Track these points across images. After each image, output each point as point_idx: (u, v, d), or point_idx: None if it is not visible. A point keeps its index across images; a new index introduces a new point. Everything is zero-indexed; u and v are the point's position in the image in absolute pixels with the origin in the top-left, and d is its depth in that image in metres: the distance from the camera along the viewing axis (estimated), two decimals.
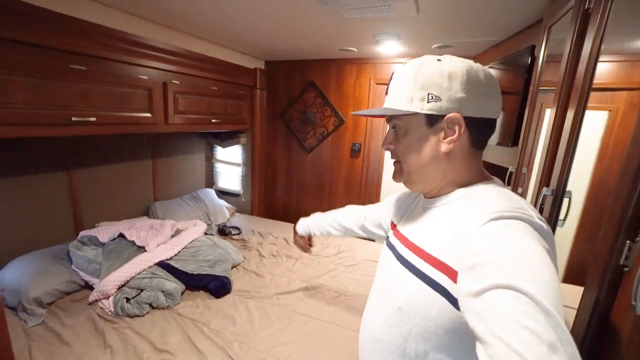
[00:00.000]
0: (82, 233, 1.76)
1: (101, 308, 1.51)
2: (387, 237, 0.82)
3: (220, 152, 3.19)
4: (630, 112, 1.49)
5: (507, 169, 1.73)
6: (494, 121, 0.61)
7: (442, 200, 0.63)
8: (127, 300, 1.50)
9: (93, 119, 1.55)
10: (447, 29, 1.85)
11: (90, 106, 1.55)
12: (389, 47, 2.32)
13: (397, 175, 0.68)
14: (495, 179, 0.64)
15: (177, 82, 2.07)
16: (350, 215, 1.20)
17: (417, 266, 0.60)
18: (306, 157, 3.14)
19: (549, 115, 1.33)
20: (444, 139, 0.59)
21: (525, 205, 0.53)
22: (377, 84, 2.76)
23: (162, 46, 1.93)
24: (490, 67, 2.08)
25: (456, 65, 0.58)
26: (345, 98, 2.89)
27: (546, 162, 1.21)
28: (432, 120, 0.59)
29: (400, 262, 0.65)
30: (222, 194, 3.22)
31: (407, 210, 0.78)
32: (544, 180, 1.20)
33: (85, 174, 2.02)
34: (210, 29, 2.08)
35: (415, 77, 0.59)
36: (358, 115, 0.92)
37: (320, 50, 2.57)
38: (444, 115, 0.58)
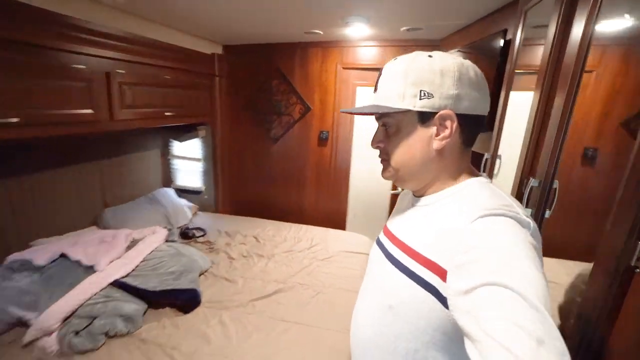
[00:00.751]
0: (11, 257, 1.44)
1: (42, 349, 1.21)
2: (378, 236, 0.80)
3: (178, 147, 2.89)
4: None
5: (483, 155, 1.70)
6: (483, 118, 0.60)
7: (431, 198, 0.63)
8: (76, 333, 1.25)
9: (15, 119, 1.24)
10: (417, 10, 1.74)
11: (11, 104, 1.24)
12: (357, 30, 2.16)
13: (386, 173, 0.67)
14: (482, 174, 0.64)
15: (123, 72, 1.76)
16: None
17: (407, 265, 0.59)
18: (273, 148, 2.94)
19: (516, 98, 1.29)
20: (436, 136, 0.58)
21: (511, 202, 0.53)
22: (344, 68, 2.62)
23: (103, 30, 1.62)
24: (458, 51, 2.03)
25: (448, 62, 0.57)
26: (311, 84, 2.71)
27: (529, 150, 1.16)
28: (424, 117, 0.58)
29: (390, 261, 0.64)
30: (183, 192, 2.93)
31: (399, 209, 0.77)
32: (528, 169, 1.16)
33: (14, 184, 1.66)
34: (161, 10, 1.79)
35: (406, 73, 0.57)
36: (347, 113, 0.85)
37: (285, 33, 2.35)
38: (436, 113, 0.57)
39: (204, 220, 2.68)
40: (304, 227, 2.64)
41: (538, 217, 1.04)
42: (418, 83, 0.56)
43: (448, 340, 0.54)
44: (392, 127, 0.62)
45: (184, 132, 2.61)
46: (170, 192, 2.69)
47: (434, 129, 0.58)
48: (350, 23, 1.94)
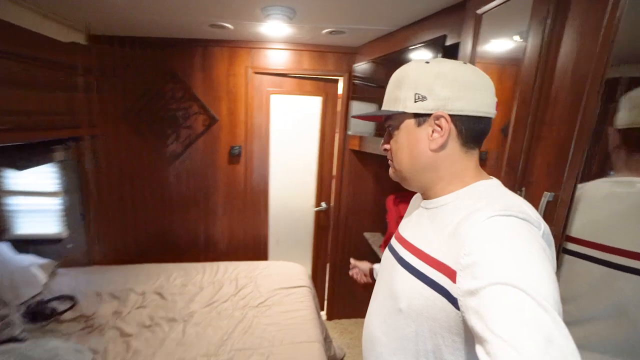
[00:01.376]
0: None
1: None
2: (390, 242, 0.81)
3: (16, 178, 1.93)
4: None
5: None
6: (486, 119, 0.61)
7: (440, 200, 0.64)
8: None
9: None
10: (347, 7, 1.53)
11: None
12: (273, 28, 1.83)
13: (392, 175, 0.71)
14: (493, 177, 0.64)
15: None
16: None
17: (417, 267, 0.59)
18: (171, 168, 2.29)
19: None
20: (431, 137, 0.60)
21: (522, 203, 0.54)
22: (255, 72, 2.23)
23: None
24: (370, 61, 1.94)
25: (442, 66, 0.60)
26: (217, 90, 2.22)
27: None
28: (420, 119, 0.61)
29: (401, 264, 0.65)
30: (28, 244, 1.97)
31: (410, 213, 0.77)
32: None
33: None
34: None
35: (403, 79, 0.62)
36: (358, 118, 0.82)
37: (183, 24, 1.81)
38: (429, 115, 0.60)
39: (69, 281, 1.83)
40: (222, 264, 2.12)
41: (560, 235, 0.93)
42: (414, 87, 0.61)
43: (459, 343, 0.53)
44: (393, 129, 0.66)
45: (28, 155, 1.73)
46: (3, 249, 1.74)
47: (429, 130, 0.61)
48: (271, 16, 1.59)
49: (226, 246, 2.46)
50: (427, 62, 0.61)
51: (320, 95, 2.40)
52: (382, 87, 2.01)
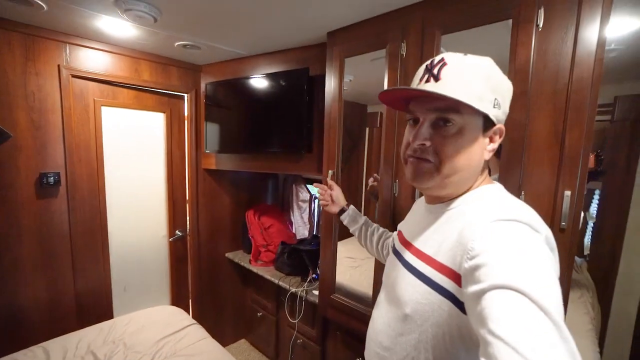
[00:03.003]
0: None
1: None
2: (394, 244, 0.78)
3: None
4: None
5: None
6: None
7: (446, 205, 0.62)
8: None
9: None
10: (213, 25, 1.49)
11: None
12: (113, 25, 1.49)
13: (427, 177, 0.60)
14: (496, 182, 0.65)
15: None
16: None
17: (423, 272, 0.58)
18: None
19: None
20: (489, 147, 0.59)
21: (525, 208, 0.54)
22: (74, 76, 1.69)
23: None
24: (228, 80, 1.99)
25: (508, 81, 0.60)
26: (6, 94, 1.51)
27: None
28: (487, 126, 0.57)
29: (407, 269, 0.63)
30: None
31: (414, 217, 0.75)
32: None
33: None
34: None
35: (489, 77, 0.56)
36: (384, 95, 0.65)
37: None
38: (494, 124, 0.58)
39: None
40: (56, 342, 1.46)
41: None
42: (496, 91, 0.56)
43: (466, 349, 0.53)
44: (455, 126, 0.56)
45: None
46: None
47: (487, 139, 0.59)
48: (132, 11, 1.29)
49: (49, 316, 1.66)
50: (498, 68, 0.58)
51: (163, 112, 2.12)
52: (233, 110, 2.10)
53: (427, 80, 0.57)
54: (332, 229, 1.54)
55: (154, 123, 2.09)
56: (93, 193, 1.80)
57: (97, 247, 1.84)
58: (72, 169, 1.71)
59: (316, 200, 2.48)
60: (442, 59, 0.57)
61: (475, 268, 0.46)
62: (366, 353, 0.72)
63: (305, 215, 2.53)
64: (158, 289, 2.18)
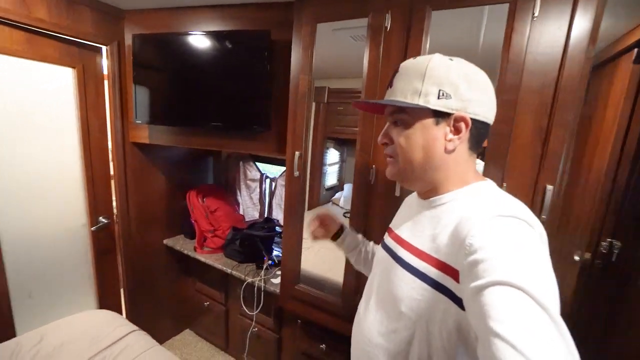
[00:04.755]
0: None
1: None
2: (383, 240, 0.76)
3: None
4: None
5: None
6: (490, 126, 0.61)
7: (438, 200, 0.61)
8: None
9: None
10: None
11: None
12: None
13: (393, 173, 0.64)
14: (488, 179, 0.63)
15: None
16: None
17: (419, 268, 0.57)
18: None
19: None
20: (448, 137, 0.58)
21: (520, 205, 0.53)
22: None
23: None
24: (162, 34, 1.57)
25: (468, 67, 0.58)
26: None
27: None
28: (440, 117, 0.57)
29: (400, 265, 0.62)
30: None
31: (404, 212, 0.74)
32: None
33: None
34: None
35: (427, 72, 0.57)
36: (359, 104, 0.76)
37: None
38: (451, 114, 0.57)
39: None
40: None
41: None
42: (439, 83, 0.56)
43: (461, 347, 0.52)
44: (404, 123, 0.60)
45: None
46: None
47: (447, 130, 0.57)
48: None
49: None
50: (452, 60, 0.58)
51: (72, 66, 1.59)
52: (170, 72, 1.69)
53: (388, 87, 0.63)
54: (297, 212, 1.38)
55: (60, 81, 1.56)
56: None
57: None
58: None
59: (267, 180, 2.26)
60: (398, 67, 0.62)
61: (474, 264, 0.45)
62: (353, 351, 0.69)
63: (255, 196, 2.30)
64: (78, 289, 1.75)
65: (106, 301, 1.88)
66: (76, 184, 1.68)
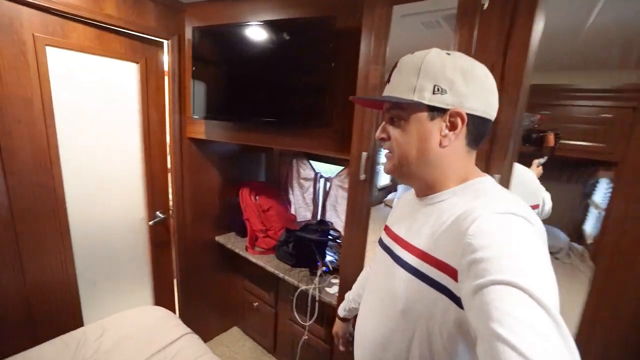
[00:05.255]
0: None
1: None
2: (380, 239, 0.75)
3: None
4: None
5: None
6: (490, 122, 0.58)
7: (436, 197, 0.60)
8: None
9: None
10: None
11: None
12: None
13: (390, 168, 0.63)
14: (487, 175, 0.61)
15: None
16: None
17: (417, 267, 0.56)
18: None
19: None
20: (444, 133, 0.56)
21: (519, 202, 0.52)
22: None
23: None
24: (221, 26, 1.50)
25: (465, 62, 0.55)
26: None
27: None
28: (435, 112, 0.56)
29: (399, 264, 0.61)
30: None
31: (402, 210, 0.72)
32: None
33: None
34: None
35: (422, 67, 0.55)
36: (357, 100, 0.73)
37: None
38: (446, 110, 0.55)
39: None
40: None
41: None
42: (433, 78, 0.55)
43: (461, 346, 0.51)
44: (401, 119, 0.59)
45: None
46: None
47: (442, 125, 0.56)
48: None
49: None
50: (449, 54, 0.56)
51: (136, 62, 1.59)
52: (228, 65, 1.62)
53: (388, 82, 0.61)
54: (361, 218, 1.23)
55: (125, 76, 1.57)
56: (42, 166, 1.32)
57: (53, 235, 1.39)
58: (6, 132, 1.20)
59: (321, 180, 2.14)
60: (396, 63, 0.60)
61: (473, 263, 0.44)
62: (356, 350, 0.69)
63: (308, 196, 2.19)
64: (136, 280, 1.79)
65: (160, 293, 1.91)
66: (137, 179, 1.69)
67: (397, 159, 0.61)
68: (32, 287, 1.35)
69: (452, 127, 0.55)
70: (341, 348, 1.07)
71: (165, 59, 1.69)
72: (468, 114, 0.54)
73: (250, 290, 2.04)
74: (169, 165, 1.83)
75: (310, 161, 2.13)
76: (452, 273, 0.49)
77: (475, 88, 0.54)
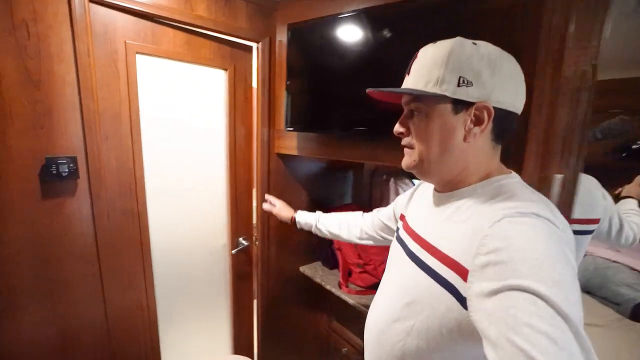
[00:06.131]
0: None
1: None
2: (397, 229, 0.74)
3: None
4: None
5: None
6: (516, 116, 0.54)
7: (457, 194, 0.57)
8: None
9: None
10: None
11: None
12: None
13: (409, 164, 0.59)
14: (513, 172, 0.57)
15: None
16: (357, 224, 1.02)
17: (427, 263, 0.55)
18: None
19: None
20: (469, 128, 0.52)
21: (544, 201, 0.49)
22: (94, 1, 1.00)
23: None
24: (319, 20, 1.21)
25: (492, 52, 0.51)
26: None
27: None
28: (460, 106, 0.52)
29: (410, 258, 0.60)
30: None
31: (419, 203, 0.71)
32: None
33: None
34: None
35: (448, 58, 0.51)
36: (374, 92, 0.62)
37: None
38: (472, 103, 0.51)
39: None
40: None
41: None
42: (459, 69, 0.50)
43: (459, 345, 0.49)
44: (422, 113, 0.55)
45: None
46: None
47: (467, 120, 0.52)
48: None
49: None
50: (475, 44, 0.51)
51: (224, 68, 1.40)
52: (333, 68, 1.11)
53: (408, 74, 0.58)
54: None
55: (213, 85, 1.39)
56: (127, 188, 1.16)
57: (136, 266, 1.21)
58: (96, 150, 1.06)
59: None
60: (417, 53, 0.57)
61: (489, 264, 0.42)
62: (365, 334, 0.69)
63: None
64: (215, 316, 1.56)
65: (239, 332, 1.66)
66: (221, 200, 1.49)
67: (417, 154, 0.57)
68: (113, 326, 1.18)
69: (478, 121, 0.51)
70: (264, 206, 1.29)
71: (254, 63, 1.48)
72: (495, 108, 0.50)
73: (339, 332, 1.68)
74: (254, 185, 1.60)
75: (414, 181, 1.73)
76: (462, 272, 0.47)
77: (502, 79, 0.50)
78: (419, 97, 0.54)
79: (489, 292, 0.40)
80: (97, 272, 1.11)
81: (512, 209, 0.44)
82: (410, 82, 0.56)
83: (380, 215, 0.95)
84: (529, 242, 0.40)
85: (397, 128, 0.59)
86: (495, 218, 0.44)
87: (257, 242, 1.59)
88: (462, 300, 0.46)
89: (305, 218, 1.15)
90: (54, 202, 1.01)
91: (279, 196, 1.44)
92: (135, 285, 1.22)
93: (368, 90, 0.63)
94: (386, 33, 1.02)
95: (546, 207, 0.45)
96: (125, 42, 1.08)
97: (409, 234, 0.66)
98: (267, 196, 1.31)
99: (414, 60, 0.57)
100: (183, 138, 1.32)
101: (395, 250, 0.69)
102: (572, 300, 0.36)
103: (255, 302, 1.69)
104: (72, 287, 1.07)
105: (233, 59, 1.41)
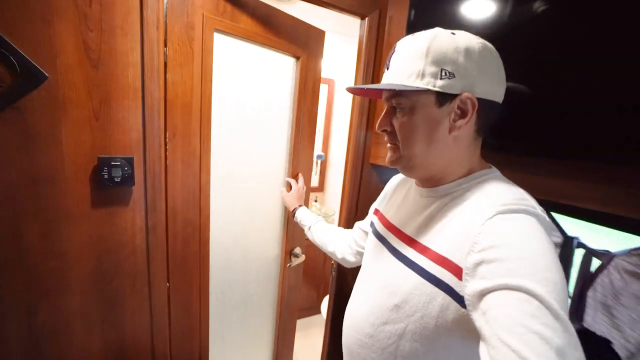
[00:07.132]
0: None
1: None
2: (372, 224, 0.71)
3: None
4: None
5: None
6: (499, 105, 0.52)
7: (441, 190, 0.55)
8: None
9: None
10: None
11: None
12: None
13: (394, 160, 0.57)
14: (493, 167, 0.56)
15: None
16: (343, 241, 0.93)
17: (417, 262, 0.52)
18: None
19: None
20: (453, 120, 0.50)
21: (527, 196, 0.47)
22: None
23: None
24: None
25: (472, 42, 0.48)
26: (39, 12, 0.61)
27: None
28: (443, 99, 0.49)
29: (396, 257, 0.57)
30: None
31: (398, 198, 0.67)
32: None
33: None
34: None
35: (427, 50, 0.48)
36: (353, 91, 0.66)
37: None
38: (455, 95, 0.49)
39: None
40: None
41: None
42: (439, 61, 0.48)
43: (456, 343, 0.47)
44: (405, 108, 0.52)
45: None
46: None
47: (451, 113, 0.50)
48: None
49: None
50: (453, 34, 0.49)
51: (297, 56, 1.18)
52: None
53: (387, 69, 0.55)
54: None
55: (282, 75, 1.17)
56: (191, 196, 0.95)
57: (193, 284, 1.03)
58: (157, 150, 0.84)
59: (582, 252, 1.52)
60: (395, 47, 0.54)
61: (481, 262, 0.40)
62: (344, 340, 0.64)
63: None
64: (258, 337, 1.40)
65: (281, 348, 1.51)
66: (278, 206, 1.29)
67: (402, 150, 0.54)
68: (162, 350, 1.00)
69: (462, 113, 0.49)
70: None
71: (363, 43, 1.14)
72: (478, 98, 0.48)
73: None
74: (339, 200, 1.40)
75: (554, 214, 1.31)
76: (455, 270, 0.45)
77: (483, 69, 0.48)
78: (400, 92, 0.51)
79: (483, 291, 0.39)
80: (145, 294, 0.91)
81: (502, 206, 0.43)
82: (391, 77, 0.53)
83: (360, 224, 0.88)
84: (521, 240, 0.40)
85: (380, 125, 0.57)
86: (487, 215, 0.43)
87: (333, 272, 1.36)
88: (458, 299, 0.45)
89: (304, 217, 1.06)
90: (105, 212, 0.80)
91: (360, 210, 1.24)
92: (187, 305, 1.03)
93: (347, 87, 0.62)
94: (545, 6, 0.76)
95: (532, 203, 0.45)
96: (203, 14, 0.85)
97: (389, 229, 0.63)
98: (288, 179, 1.23)
99: (392, 54, 0.54)
100: (247, 136, 1.11)
101: (375, 247, 0.66)
102: (562, 297, 0.36)
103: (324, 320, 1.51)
104: (124, 307, 0.88)
105: (308, 46, 1.19)
